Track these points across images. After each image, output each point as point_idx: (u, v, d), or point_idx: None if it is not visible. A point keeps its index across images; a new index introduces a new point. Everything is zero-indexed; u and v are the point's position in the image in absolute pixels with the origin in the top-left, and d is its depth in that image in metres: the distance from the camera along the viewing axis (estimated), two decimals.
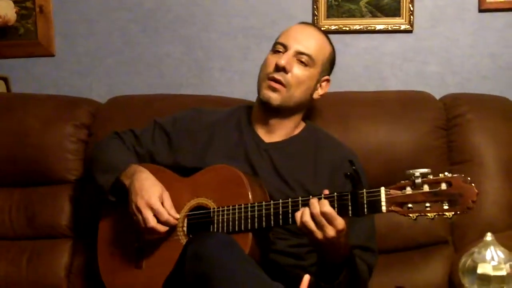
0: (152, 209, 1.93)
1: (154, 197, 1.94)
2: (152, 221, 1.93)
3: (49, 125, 2.54)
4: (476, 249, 1.46)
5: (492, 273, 1.42)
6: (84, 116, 2.58)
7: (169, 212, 1.95)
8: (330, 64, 2.16)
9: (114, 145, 2.18)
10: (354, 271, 1.92)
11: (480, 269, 1.42)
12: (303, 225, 1.77)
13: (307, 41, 2.09)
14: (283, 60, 2.04)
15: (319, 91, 2.15)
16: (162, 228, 1.94)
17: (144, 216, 1.93)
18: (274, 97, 2.05)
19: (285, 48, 2.08)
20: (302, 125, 2.19)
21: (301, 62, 2.07)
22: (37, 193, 2.52)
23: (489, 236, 1.46)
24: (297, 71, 2.06)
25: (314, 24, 2.69)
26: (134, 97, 2.67)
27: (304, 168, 2.08)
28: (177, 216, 1.97)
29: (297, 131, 2.16)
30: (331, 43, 2.17)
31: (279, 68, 2.04)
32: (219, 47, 2.84)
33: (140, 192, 1.95)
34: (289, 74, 2.05)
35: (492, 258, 1.44)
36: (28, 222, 2.50)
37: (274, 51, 2.11)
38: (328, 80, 2.17)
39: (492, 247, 1.45)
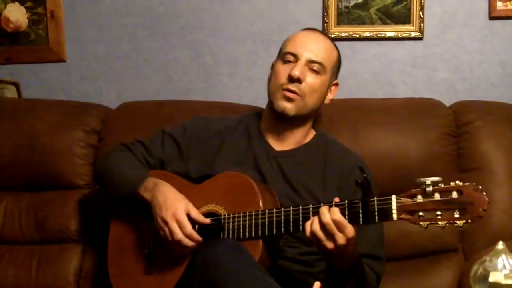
0: (177, 221, 1.91)
1: (180, 209, 1.92)
2: (179, 234, 1.90)
3: (59, 130, 2.55)
4: (488, 258, 1.46)
5: (503, 281, 1.42)
6: (94, 121, 2.59)
7: (198, 220, 1.93)
8: (337, 68, 2.17)
9: (125, 158, 2.16)
10: (362, 279, 1.92)
11: (492, 278, 1.42)
12: (312, 234, 1.76)
13: (316, 48, 2.09)
14: (297, 71, 2.03)
15: (329, 96, 2.16)
16: (188, 242, 1.91)
17: (171, 229, 1.91)
18: (290, 107, 2.04)
19: (296, 57, 2.07)
20: (313, 133, 2.19)
21: (313, 70, 2.06)
22: (47, 198, 2.53)
23: (500, 245, 1.46)
24: (311, 80, 2.06)
25: (324, 30, 2.70)
26: (144, 103, 2.68)
27: (313, 176, 2.08)
28: (207, 221, 1.95)
29: (307, 140, 2.16)
30: (336, 47, 2.17)
31: (293, 79, 2.04)
32: (227, 52, 2.85)
33: (164, 205, 1.94)
34: (303, 84, 2.05)
35: (504, 267, 1.43)
36: (37, 227, 2.50)
37: (284, 61, 2.09)
38: (337, 84, 2.17)
39: (503, 256, 1.44)
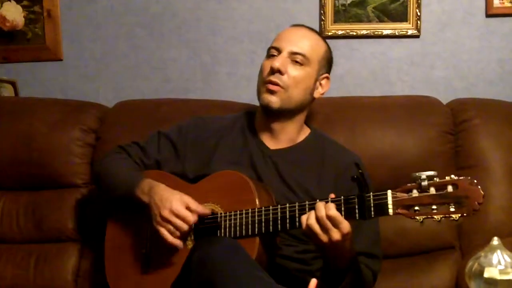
0: (177, 216, 1.91)
1: (175, 203, 1.92)
2: (185, 226, 1.91)
3: (56, 129, 2.55)
4: (483, 253, 1.46)
5: (499, 277, 1.42)
6: (91, 120, 2.59)
7: (198, 210, 1.93)
8: (327, 62, 2.15)
9: (120, 160, 2.16)
10: (359, 276, 1.92)
11: (487, 273, 1.42)
12: (308, 228, 1.77)
13: (300, 41, 2.09)
14: (277, 63, 2.04)
15: (320, 90, 2.15)
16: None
17: (175, 224, 1.91)
18: (274, 100, 2.05)
19: (279, 51, 2.08)
20: (307, 131, 2.18)
21: (296, 62, 2.06)
22: (45, 197, 2.53)
23: (495, 240, 1.46)
24: (293, 71, 2.06)
25: (320, 29, 2.71)
26: (141, 102, 2.68)
27: (308, 174, 2.08)
28: (207, 212, 1.95)
29: (302, 137, 2.16)
30: (325, 41, 2.17)
31: (274, 71, 2.04)
32: (225, 51, 2.85)
33: (161, 203, 1.94)
34: (285, 76, 2.05)
35: (499, 262, 1.43)
36: (36, 226, 2.50)
37: (269, 56, 2.11)
38: (327, 78, 2.16)
39: (498, 251, 1.44)
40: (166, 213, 1.92)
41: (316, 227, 1.75)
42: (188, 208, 1.93)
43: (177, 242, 1.93)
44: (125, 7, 2.87)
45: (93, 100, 2.74)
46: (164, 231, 1.93)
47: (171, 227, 1.92)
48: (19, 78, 2.90)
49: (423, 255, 2.36)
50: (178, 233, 1.92)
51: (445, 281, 2.30)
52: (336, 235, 1.74)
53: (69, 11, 2.88)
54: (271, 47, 2.11)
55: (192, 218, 1.92)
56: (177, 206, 1.92)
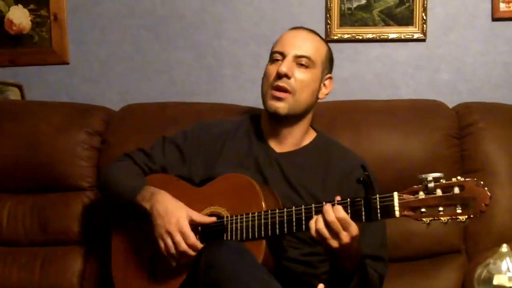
0: (181, 232, 1.91)
1: (182, 219, 1.92)
2: (183, 245, 1.90)
3: (62, 132, 2.55)
4: (492, 260, 1.46)
5: (507, 284, 1.42)
6: (97, 123, 2.59)
7: (202, 221, 1.94)
8: (329, 62, 2.16)
9: (125, 167, 2.16)
10: (365, 279, 1.92)
11: (496, 280, 1.42)
12: (318, 232, 1.77)
13: (303, 43, 2.09)
14: (284, 67, 2.04)
15: (324, 90, 2.15)
16: (192, 252, 1.91)
17: (176, 240, 1.91)
18: (282, 106, 2.05)
19: (283, 55, 2.08)
20: (313, 134, 2.19)
21: (302, 65, 2.07)
22: (50, 200, 2.53)
23: (504, 248, 1.46)
24: (299, 75, 2.06)
25: (326, 32, 2.71)
26: (147, 105, 2.68)
27: (314, 178, 2.08)
28: (213, 219, 1.95)
29: (307, 141, 2.16)
30: (325, 42, 2.18)
31: (281, 76, 2.04)
32: (230, 54, 2.85)
33: (166, 216, 1.93)
34: (292, 80, 2.05)
35: (508, 269, 1.44)
36: (41, 229, 2.51)
37: (273, 60, 2.11)
38: (331, 78, 2.17)
39: (507, 258, 1.45)
40: (171, 228, 1.92)
41: (325, 232, 1.75)
42: (191, 220, 1.93)
43: (171, 260, 1.94)
44: (131, 10, 2.87)
45: (99, 103, 2.74)
46: (163, 245, 1.94)
47: (170, 242, 1.92)
48: (25, 81, 2.90)
49: (429, 258, 2.36)
50: (174, 250, 1.92)
51: (451, 285, 2.30)
52: (345, 238, 1.74)
53: (75, 14, 2.88)
54: (275, 52, 2.11)
55: (193, 240, 1.91)
56: (184, 222, 1.92)
